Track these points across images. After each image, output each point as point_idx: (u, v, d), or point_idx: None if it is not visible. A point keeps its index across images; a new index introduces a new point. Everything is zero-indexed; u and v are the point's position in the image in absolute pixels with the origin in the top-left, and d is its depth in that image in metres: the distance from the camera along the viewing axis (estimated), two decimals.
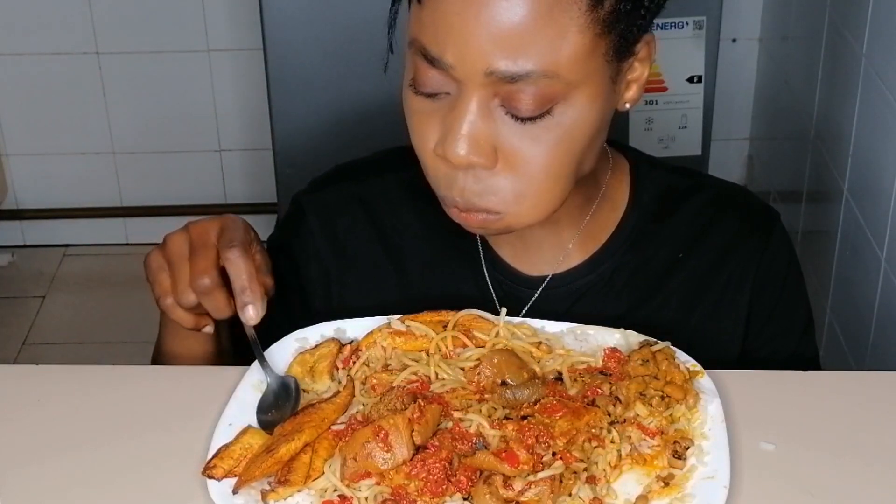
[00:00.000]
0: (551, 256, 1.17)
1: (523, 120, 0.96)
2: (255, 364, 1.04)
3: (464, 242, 1.18)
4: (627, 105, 1.03)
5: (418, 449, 0.92)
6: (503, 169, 0.98)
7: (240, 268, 1.00)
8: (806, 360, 1.21)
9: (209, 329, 1.06)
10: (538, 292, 1.16)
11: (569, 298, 1.16)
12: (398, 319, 1.07)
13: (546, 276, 1.17)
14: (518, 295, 1.16)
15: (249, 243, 1.03)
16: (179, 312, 1.03)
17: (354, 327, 1.09)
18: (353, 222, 1.20)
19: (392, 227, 1.20)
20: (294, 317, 1.14)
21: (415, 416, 0.93)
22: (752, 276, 1.17)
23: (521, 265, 1.17)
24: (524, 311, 1.15)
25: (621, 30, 0.96)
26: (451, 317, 1.07)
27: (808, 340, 1.22)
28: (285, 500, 0.91)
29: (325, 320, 1.11)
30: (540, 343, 1.06)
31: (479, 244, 1.18)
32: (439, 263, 1.19)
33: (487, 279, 1.17)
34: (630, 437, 0.95)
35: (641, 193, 1.18)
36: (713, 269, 1.18)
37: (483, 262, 1.17)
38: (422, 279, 1.19)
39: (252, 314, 1.00)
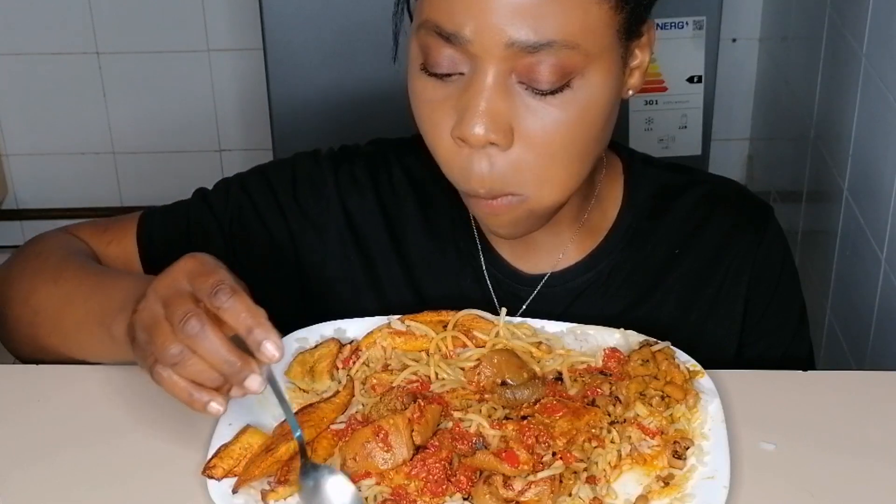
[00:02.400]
0: (550, 255, 1.17)
1: (542, 94, 0.96)
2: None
3: (463, 241, 1.18)
4: (630, 92, 1.04)
5: (418, 449, 0.92)
6: (521, 149, 0.98)
7: (237, 308, 0.83)
8: (801, 354, 1.22)
9: (215, 407, 0.86)
10: (536, 290, 1.16)
11: (567, 297, 1.16)
12: (398, 319, 1.07)
13: (544, 275, 1.17)
14: (517, 293, 1.16)
15: (229, 279, 0.85)
16: (174, 380, 0.85)
17: (354, 327, 1.09)
18: (363, 205, 1.19)
19: (397, 218, 1.20)
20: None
21: (415, 416, 0.93)
22: (748, 270, 1.18)
23: (520, 264, 1.17)
24: (522, 310, 1.15)
25: (632, 6, 0.98)
26: (451, 317, 1.07)
27: (803, 334, 1.23)
28: (285, 499, 0.91)
29: (315, 305, 1.10)
30: (540, 343, 1.06)
31: (478, 243, 1.18)
32: (439, 260, 1.19)
33: (486, 277, 1.17)
34: (630, 437, 0.95)
35: (636, 191, 1.18)
36: (709, 265, 1.18)
37: (482, 260, 1.17)
38: (422, 274, 1.19)
39: (272, 349, 0.83)
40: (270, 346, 0.83)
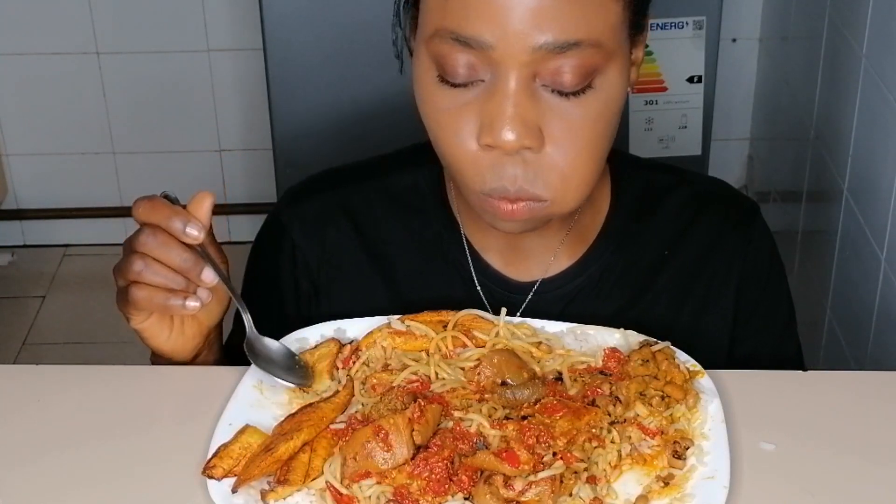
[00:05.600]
0: (540, 261, 1.16)
1: (567, 95, 0.96)
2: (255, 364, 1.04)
3: (452, 251, 1.17)
4: (628, 88, 1.04)
5: (418, 449, 0.92)
6: (550, 150, 0.97)
7: (158, 209, 0.99)
8: (790, 351, 1.22)
9: (192, 304, 1.01)
10: (529, 298, 1.16)
11: (559, 302, 1.16)
12: (398, 319, 1.07)
13: (536, 282, 1.16)
14: (509, 302, 1.15)
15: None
16: (148, 292, 1.00)
17: (354, 327, 1.09)
18: (339, 232, 1.19)
19: (378, 238, 1.19)
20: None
21: (415, 415, 0.93)
22: (737, 269, 1.18)
23: (511, 272, 1.17)
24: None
25: (638, 1, 0.99)
26: (451, 317, 1.07)
27: (792, 332, 1.23)
28: (284, 499, 0.91)
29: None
30: (540, 343, 1.06)
31: (467, 253, 1.17)
32: (428, 274, 1.18)
33: (478, 287, 1.17)
34: (630, 437, 0.95)
35: (623, 194, 1.18)
36: (699, 264, 1.18)
37: (472, 270, 1.17)
38: (411, 290, 1.18)
39: (195, 231, 0.98)
40: (193, 229, 0.98)
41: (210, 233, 1.02)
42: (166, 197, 1.02)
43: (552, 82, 0.95)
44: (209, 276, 1.00)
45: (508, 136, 0.95)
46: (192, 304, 1.01)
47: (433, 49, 0.97)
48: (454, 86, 0.97)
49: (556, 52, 0.93)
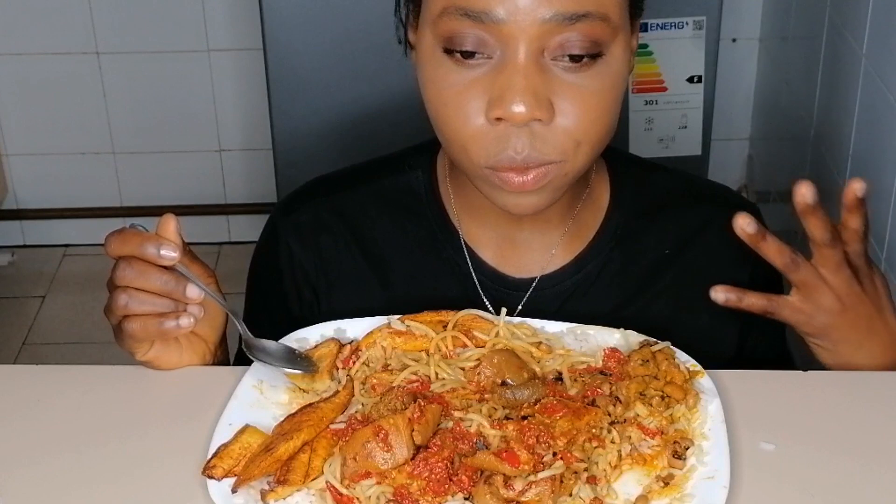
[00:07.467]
0: (538, 258, 1.16)
1: (575, 69, 0.97)
2: (255, 364, 1.04)
3: (448, 250, 1.17)
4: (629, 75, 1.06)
5: (418, 449, 0.92)
6: (560, 121, 0.98)
7: (128, 239, 1.00)
8: (788, 356, 1.22)
9: (186, 321, 1.01)
10: (527, 294, 1.16)
11: (557, 299, 1.16)
12: (398, 319, 1.07)
13: (534, 278, 1.16)
14: (507, 299, 1.15)
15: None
16: (140, 322, 1.01)
17: (354, 327, 1.09)
18: (335, 238, 1.19)
19: (373, 240, 1.19)
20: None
21: (415, 415, 0.93)
22: (740, 272, 1.17)
23: (508, 269, 1.17)
24: (514, 315, 1.15)
25: None
26: (451, 317, 1.07)
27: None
28: (284, 499, 0.91)
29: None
30: (540, 343, 1.06)
31: (464, 250, 1.17)
32: (425, 274, 1.18)
33: (477, 285, 1.17)
34: (630, 437, 0.95)
35: (623, 192, 1.18)
36: (699, 267, 1.18)
37: (470, 268, 1.17)
38: (408, 291, 1.18)
39: (169, 252, 0.98)
40: (165, 250, 0.98)
41: (188, 251, 1.03)
42: (133, 227, 1.03)
43: (560, 55, 0.97)
44: (194, 291, 1.01)
45: (519, 108, 0.96)
46: (186, 321, 1.02)
47: (442, 27, 0.98)
48: (462, 63, 0.99)
49: (565, 25, 0.95)
